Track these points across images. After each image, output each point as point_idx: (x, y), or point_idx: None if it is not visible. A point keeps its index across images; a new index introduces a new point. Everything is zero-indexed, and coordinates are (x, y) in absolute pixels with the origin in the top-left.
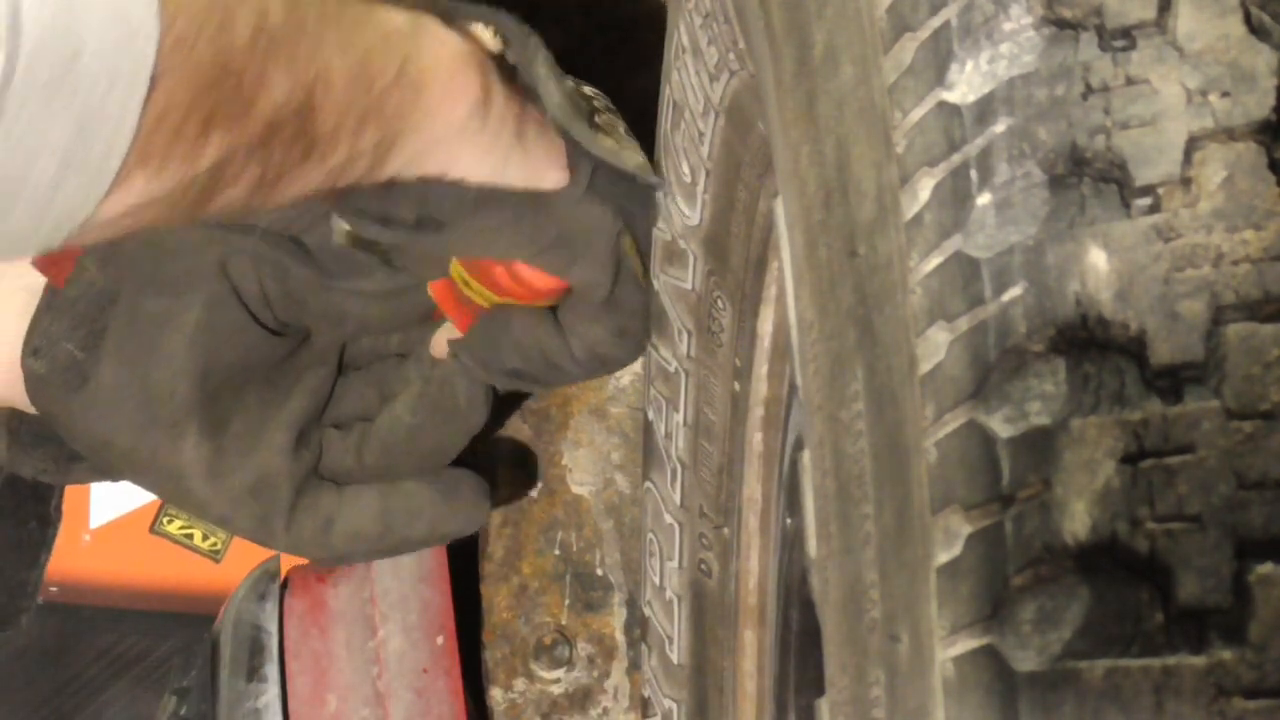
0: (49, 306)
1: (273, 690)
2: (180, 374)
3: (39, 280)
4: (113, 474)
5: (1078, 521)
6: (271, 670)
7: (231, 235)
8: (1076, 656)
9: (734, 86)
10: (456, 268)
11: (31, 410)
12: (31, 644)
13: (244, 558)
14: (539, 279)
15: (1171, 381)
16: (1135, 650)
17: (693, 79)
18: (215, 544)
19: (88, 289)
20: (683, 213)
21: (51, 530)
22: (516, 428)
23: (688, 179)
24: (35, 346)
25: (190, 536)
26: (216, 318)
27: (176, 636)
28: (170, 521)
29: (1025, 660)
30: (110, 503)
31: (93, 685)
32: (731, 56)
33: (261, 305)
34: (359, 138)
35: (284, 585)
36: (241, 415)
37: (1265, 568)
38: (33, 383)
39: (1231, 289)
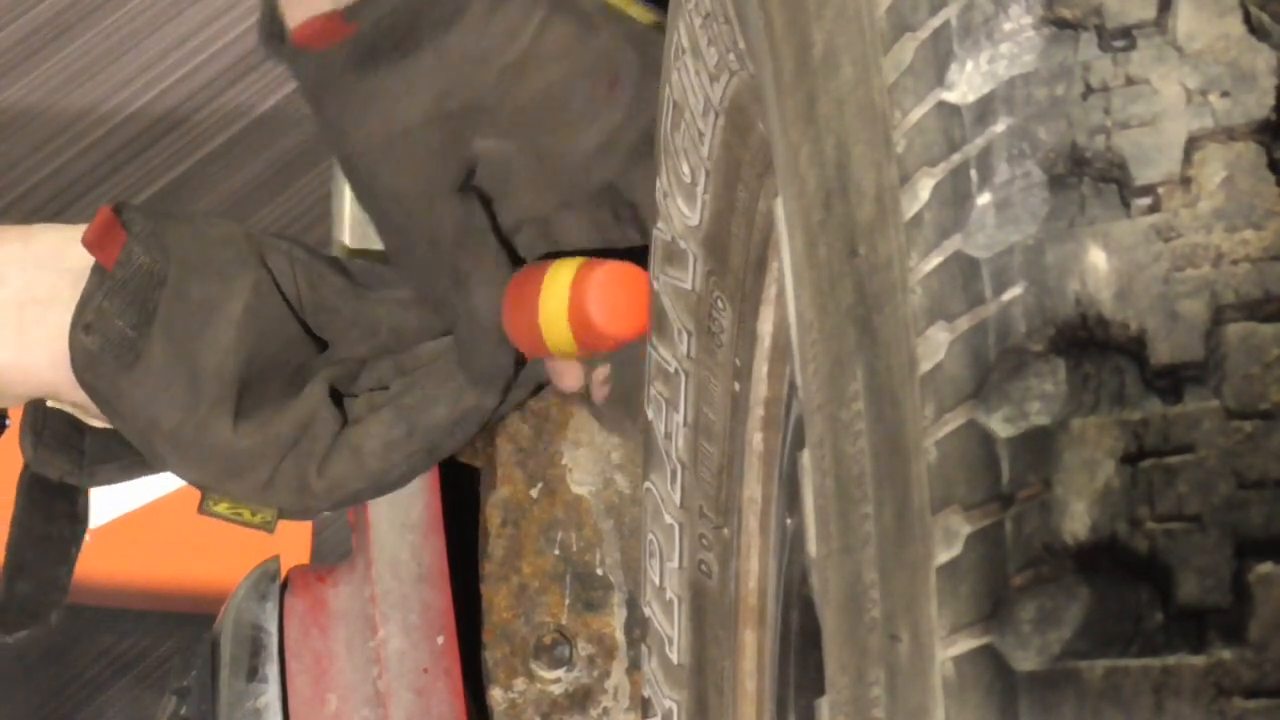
0: (100, 285)
1: (273, 690)
2: (227, 355)
3: (83, 263)
4: (153, 459)
5: (1078, 521)
6: (271, 670)
7: (267, 236)
8: (1076, 656)
9: (734, 86)
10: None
11: (71, 394)
12: (31, 644)
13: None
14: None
15: (1171, 381)
16: (1135, 650)
17: (693, 79)
18: (266, 517)
19: (136, 271)
20: (683, 213)
21: (80, 527)
22: (516, 428)
23: (688, 179)
24: (87, 323)
25: (240, 514)
26: (261, 305)
27: (176, 636)
28: (217, 502)
29: (1025, 660)
30: (110, 503)
31: (93, 685)
32: (731, 56)
33: (296, 306)
34: None
35: (284, 585)
36: (279, 390)
37: (1265, 568)
38: (83, 359)
39: (1231, 289)
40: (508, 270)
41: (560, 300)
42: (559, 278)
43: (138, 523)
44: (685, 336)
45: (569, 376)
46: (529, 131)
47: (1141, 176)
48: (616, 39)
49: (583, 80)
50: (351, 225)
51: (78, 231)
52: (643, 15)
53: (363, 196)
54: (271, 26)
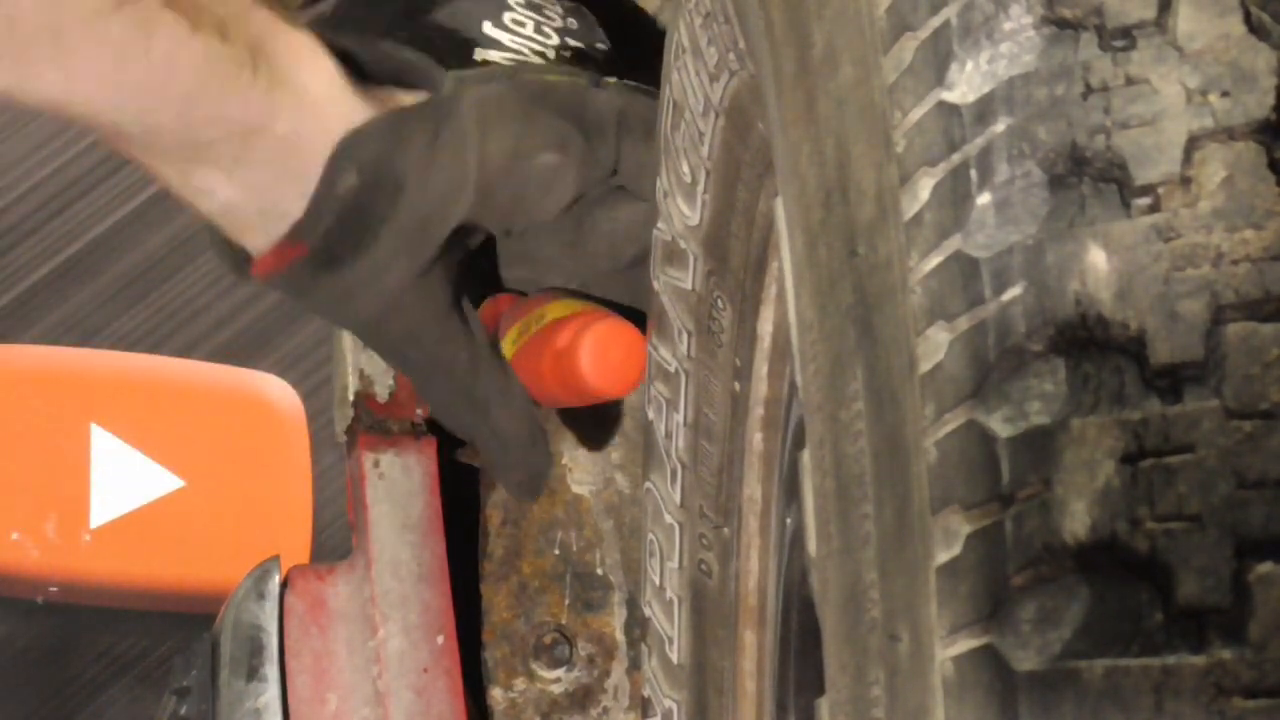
0: None
1: (273, 690)
2: None
3: None
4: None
5: (1078, 521)
6: (271, 670)
7: None
8: (1076, 656)
9: (734, 86)
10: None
11: None
12: (31, 644)
13: None
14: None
15: (1171, 381)
16: (1135, 650)
17: (693, 79)
18: None
19: None
20: (683, 213)
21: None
22: None
23: (688, 179)
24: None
25: None
26: None
27: (176, 636)
28: None
29: (1025, 660)
30: (110, 503)
31: (93, 685)
32: (731, 56)
33: None
34: None
35: (284, 585)
36: None
37: (1265, 567)
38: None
39: (1231, 288)
40: (519, 385)
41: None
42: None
43: (138, 523)
44: (685, 336)
45: None
46: (501, 228)
47: (1141, 176)
48: (552, 119)
49: (535, 171)
50: None
51: None
52: (563, 78)
53: (379, 353)
54: (229, 256)
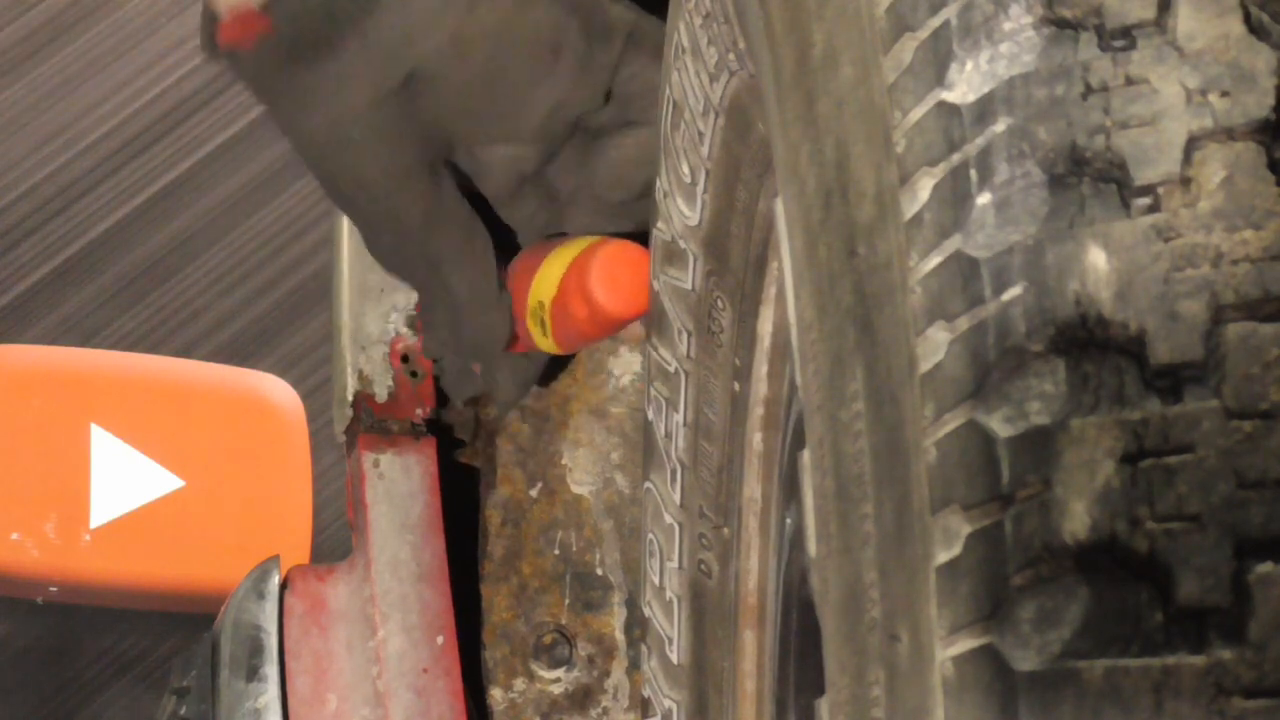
0: None
1: (273, 690)
2: None
3: None
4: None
5: (1077, 521)
6: (271, 670)
7: None
8: (1076, 656)
9: (734, 86)
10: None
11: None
12: (31, 644)
13: None
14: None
15: (1171, 381)
16: (1135, 650)
17: (693, 79)
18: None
19: None
20: (683, 213)
21: None
22: (516, 428)
23: (688, 179)
24: None
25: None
26: None
27: (176, 636)
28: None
29: (1025, 660)
30: (110, 503)
31: (93, 685)
32: (731, 56)
33: None
34: None
35: (284, 585)
36: None
37: (1265, 567)
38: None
39: (1231, 289)
40: (484, 245)
41: (552, 285)
42: (552, 269)
43: (138, 523)
44: (685, 336)
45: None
46: (476, 109)
47: (1141, 176)
48: (555, 9)
49: (522, 52)
50: (351, 225)
51: None
52: None
53: (326, 189)
54: (208, 32)
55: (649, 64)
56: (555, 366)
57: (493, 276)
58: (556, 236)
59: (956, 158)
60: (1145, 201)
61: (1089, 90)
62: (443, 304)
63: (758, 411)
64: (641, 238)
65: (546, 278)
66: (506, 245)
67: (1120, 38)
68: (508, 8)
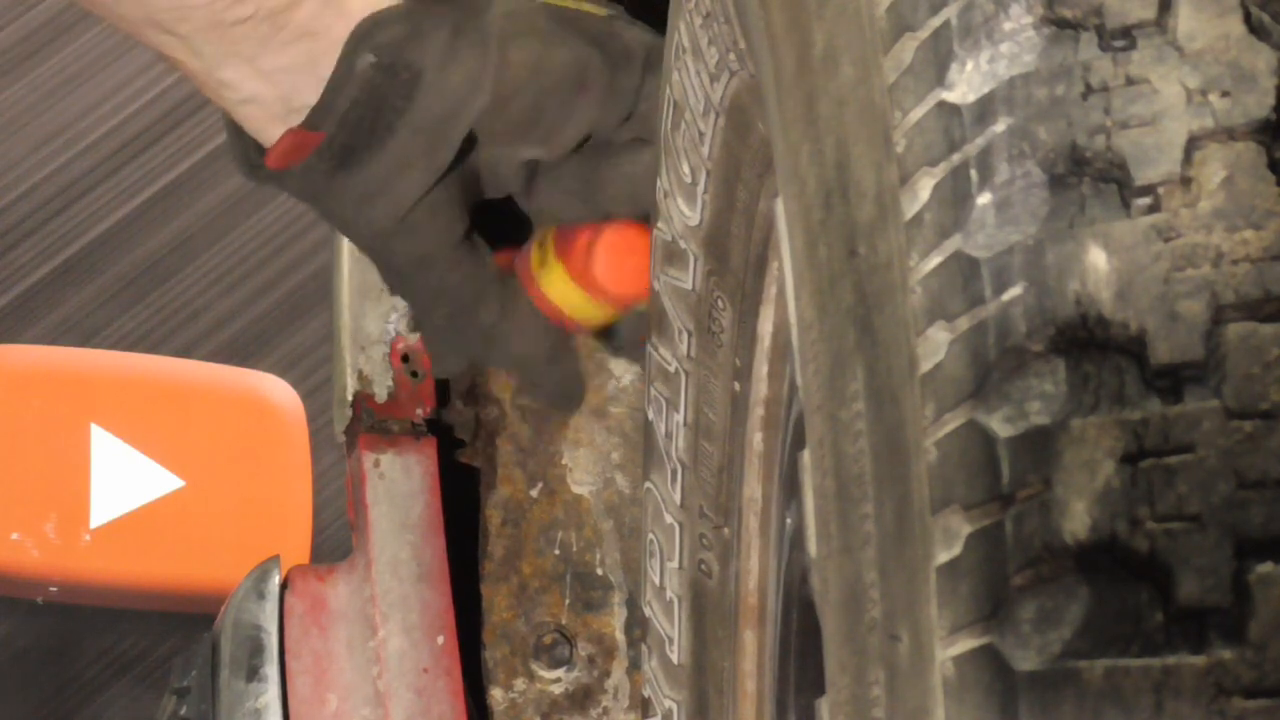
0: None
1: (273, 690)
2: None
3: None
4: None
5: (1078, 521)
6: (271, 670)
7: None
8: (1076, 656)
9: (734, 86)
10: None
11: None
12: (31, 644)
13: None
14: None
15: (1171, 381)
16: (1135, 650)
17: (693, 79)
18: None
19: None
20: (683, 213)
21: None
22: (516, 428)
23: (688, 179)
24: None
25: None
26: None
27: (176, 636)
28: None
29: (1025, 660)
30: (110, 503)
31: (93, 685)
32: (731, 56)
33: None
34: None
35: (284, 585)
36: None
37: (1265, 567)
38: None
39: (1231, 289)
40: (526, 306)
41: (559, 268)
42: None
43: (138, 523)
44: (685, 336)
45: None
46: (514, 150)
47: (1141, 176)
48: (579, 43)
49: (554, 92)
50: None
51: None
52: (596, 9)
53: (387, 273)
54: (244, 153)
55: (659, 82)
56: None
57: (549, 332)
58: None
59: (957, 158)
60: (1145, 201)
61: (1089, 90)
62: (510, 364)
63: (758, 411)
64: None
65: (551, 269)
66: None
67: (1120, 38)
68: (537, 51)
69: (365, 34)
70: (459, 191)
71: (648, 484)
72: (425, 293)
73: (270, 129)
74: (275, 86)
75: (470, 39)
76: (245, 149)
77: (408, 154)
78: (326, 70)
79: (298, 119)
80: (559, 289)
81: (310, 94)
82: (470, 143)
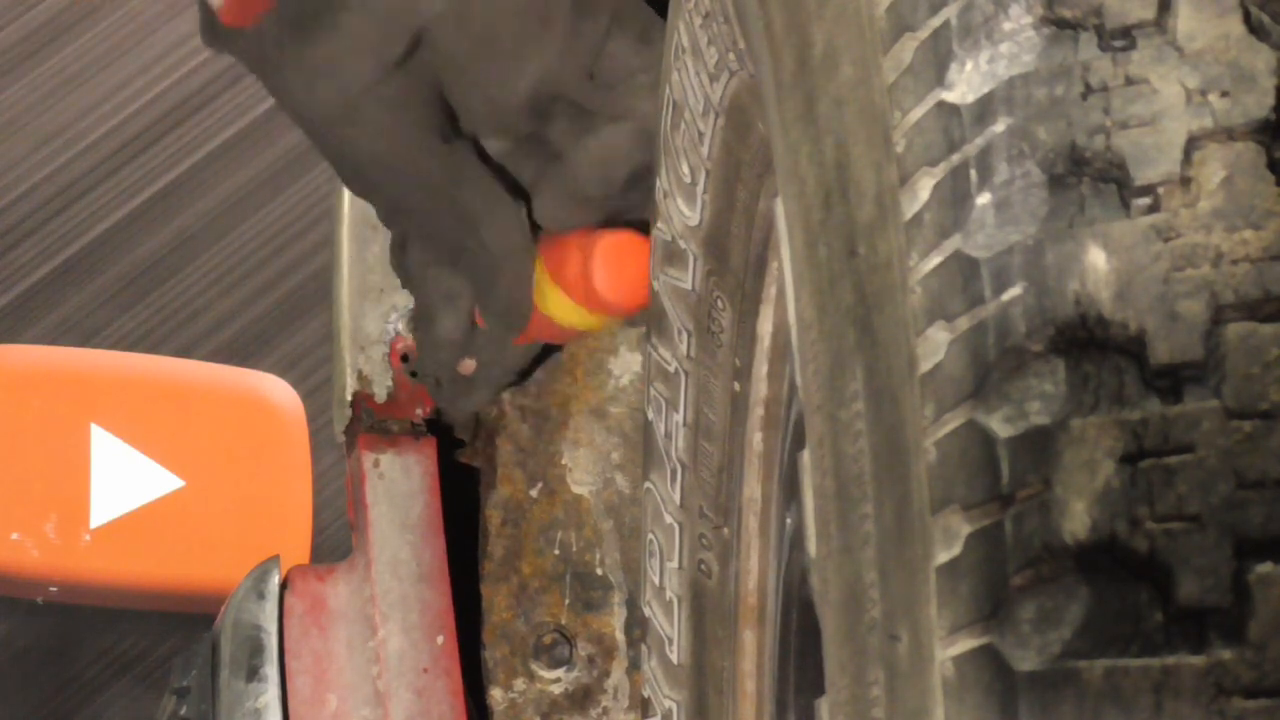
0: None
1: (273, 690)
2: None
3: None
4: None
5: (1077, 521)
6: (271, 670)
7: None
8: (1076, 656)
9: (734, 86)
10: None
11: None
12: (31, 644)
13: None
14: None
15: (1171, 381)
16: (1135, 650)
17: (693, 79)
18: None
19: None
20: (683, 213)
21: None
22: (516, 428)
23: (688, 179)
24: None
25: None
26: None
27: (176, 636)
28: None
29: (1025, 660)
30: (110, 503)
31: (93, 685)
32: (731, 56)
33: None
34: None
35: (284, 585)
36: None
37: (1265, 567)
38: None
39: (1231, 289)
40: (510, 200)
41: (554, 262)
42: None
43: (138, 523)
44: (685, 336)
45: None
46: (471, 76)
47: (1141, 176)
48: None
49: (515, 19)
50: (351, 225)
51: None
52: None
53: (340, 168)
54: (206, 19)
55: (630, 47)
56: (556, 366)
57: (526, 230)
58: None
59: (956, 158)
60: (1145, 201)
61: (1089, 90)
62: (478, 258)
63: (758, 411)
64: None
65: (548, 251)
66: None
67: (1120, 38)
68: None
69: None
70: (419, 97)
71: (647, 484)
72: (388, 189)
73: None
74: None
75: None
76: (207, 12)
77: (357, 38)
78: None
79: None
80: (558, 310)
81: None
82: (428, 52)
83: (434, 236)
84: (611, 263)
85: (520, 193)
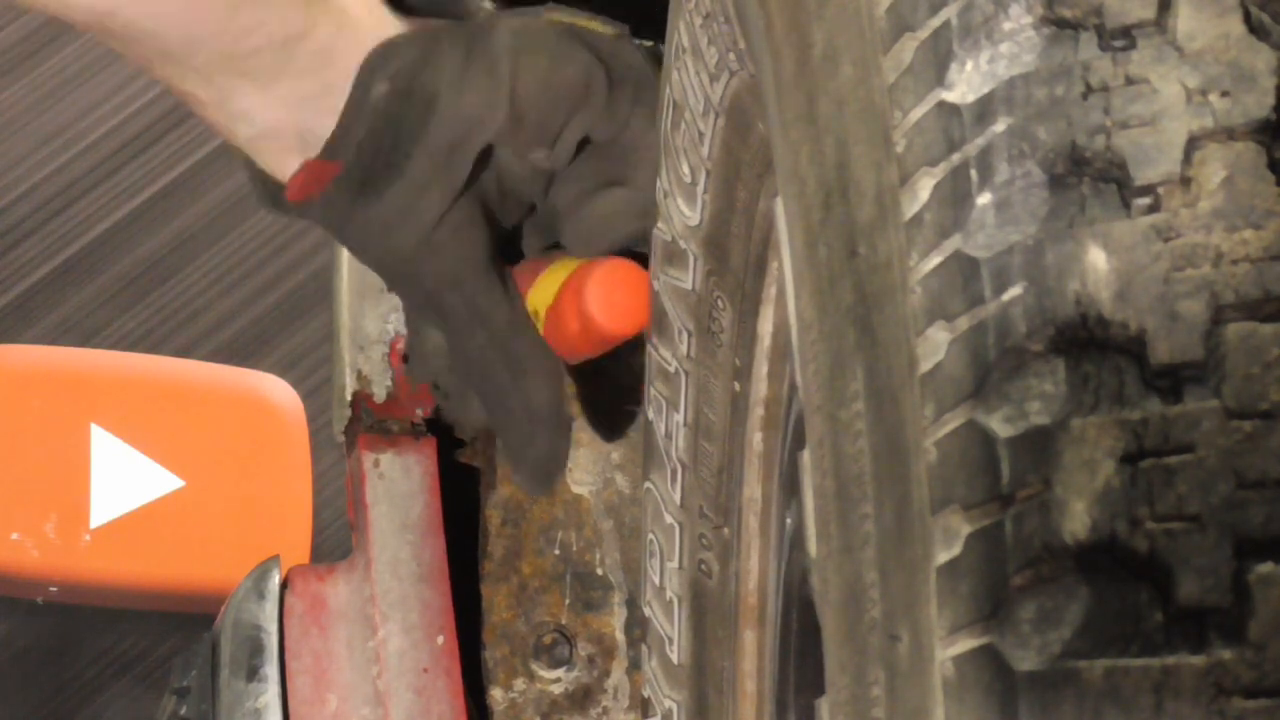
0: None
1: (273, 690)
2: None
3: None
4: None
5: (1077, 521)
6: (271, 670)
7: None
8: (1076, 656)
9: (734, 86)
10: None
11: None
12: (31, 644)
13: None
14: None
15: (1171, 381)
16: (1135, 650)
17: (693, 79)
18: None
19: None
20: (683, 213)
21: None
22: None
23: (688, 179)
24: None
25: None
26: None
27: (176, 636)
28: None
29: (1025, 660)
30: (110, 503)
31: (93, 685)
32: (731, 56)
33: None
34: None
35: (284, 585)
36: None
37: (1265, 567)
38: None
39: (1231, 289)
40: (551, 351)
41: (549, 294)
42: (552, 279)
43: (138, 523)
44: (685, 336)
45: None
46: (520, 162)
47: (1141, 176)
48: (585, 60)
49: (560, 108)
50: None
51: None
52: (603, 28)
53: (417, 300)
54: (265, 188)
55: (646, 116)
56: None
57: (564, 399)
58: (556, 248)
59: (956, 158)
60: (1145, 201)
61: (1089, 90)
62: (519, 410)
63: (758, 411)
64: (639, 258)
65: (545, 286)
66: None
67: (1120, 38)
68: (545, 68)
69: (379, 61)
70: (480, 209)
71: (648, 484)
72: (461, 316)
73: (288, 161)
74: (290, 116)
75: (481, 60)
76: (265, 183)
77: (426, 178)
78: (340, 99)
79: (314, 151)
80: (557, 342)
81: (326, 124)
82: (486, 156)
83: (482, 380)
84: (607, 291)
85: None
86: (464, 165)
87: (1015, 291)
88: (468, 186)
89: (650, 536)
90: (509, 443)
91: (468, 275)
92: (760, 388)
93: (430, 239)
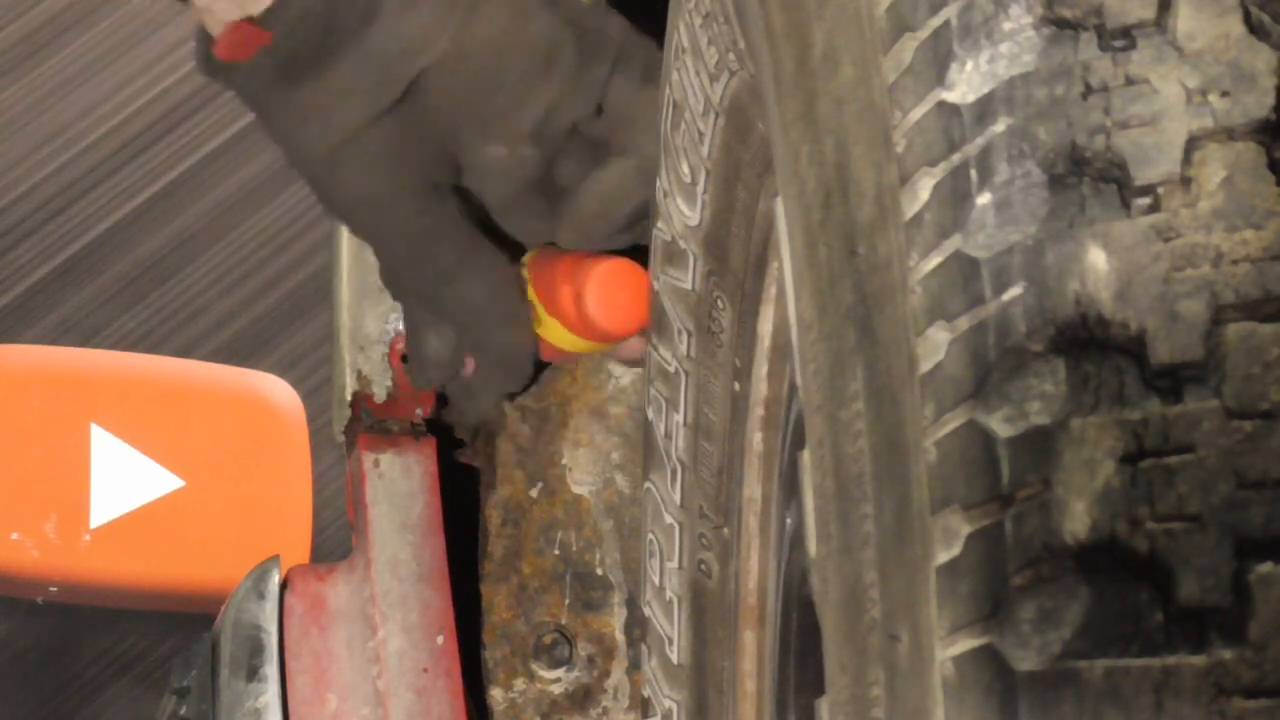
0: None
1: (273, 690)
2: None
3: None
4: None
5: (1078, 521)
6: (271, 670)
7: None
8: (1076, 656)
9: (734, 86)
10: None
11: None
12: (31, 644)
13: None
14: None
15: (1171, 381)
16: (1135, 650)
17: (693, 79)
18: None
19: None
20: (683, 213)
21: None
22: (516, 428)
23: (688, 179)
24: None
25: None
26: None
27: (176, 636)
28: None
29: (1025, 660)
30: (110, 503)
31: (93, 685)
32: (731, 56)
33: None
34: None
35: (284, 585)
36: None
37: (1265, 567)
38: None
39: (1231, 289)
40: (496, 256)
41: (548, 290)
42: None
43: (138, 523)
44: (685, 336)
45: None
46: (472, 112)
47: (1141, 176)
48: (553, 21)
49: (517, 61)
50: None
51: None
52: None
53: (327, 207)
54: (202, 48)
55: (634, 84)
56: (556, 367)
57: (512, 286)
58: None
59: (956, 158)
60: (1145, 201)
61: (1089, 90)
62: (460, 315)
63: (758, 411)
64: (638, 255)
65: (541, 281)
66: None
67: (1120, 38)
68: (505, 19)
69: None
70: (411, 143)
71: (647, 484)
72: (375, 225)
73: (224, 13)
74: None
75: None
76: (205, 43)
77: (348, 84)
78: None
79: (251, 9)
80: (554, 335)
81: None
82: (425, 95)
83: (416, 291)
84: (606, 290)
85: (514, 250)
86: (393, 85)
87: (1015, 291)
88: (391, 112)
89: (650, 536)
90: (465, 346)
91: (378, 195)
92: (760, 388)
93: (342, 148)
